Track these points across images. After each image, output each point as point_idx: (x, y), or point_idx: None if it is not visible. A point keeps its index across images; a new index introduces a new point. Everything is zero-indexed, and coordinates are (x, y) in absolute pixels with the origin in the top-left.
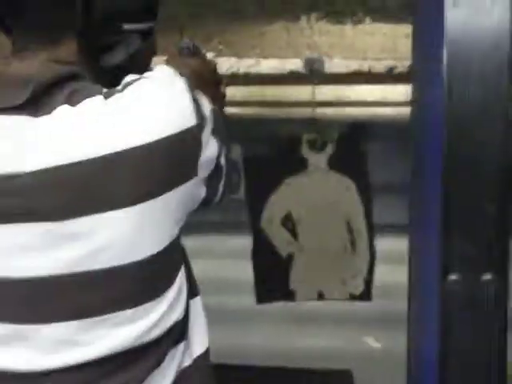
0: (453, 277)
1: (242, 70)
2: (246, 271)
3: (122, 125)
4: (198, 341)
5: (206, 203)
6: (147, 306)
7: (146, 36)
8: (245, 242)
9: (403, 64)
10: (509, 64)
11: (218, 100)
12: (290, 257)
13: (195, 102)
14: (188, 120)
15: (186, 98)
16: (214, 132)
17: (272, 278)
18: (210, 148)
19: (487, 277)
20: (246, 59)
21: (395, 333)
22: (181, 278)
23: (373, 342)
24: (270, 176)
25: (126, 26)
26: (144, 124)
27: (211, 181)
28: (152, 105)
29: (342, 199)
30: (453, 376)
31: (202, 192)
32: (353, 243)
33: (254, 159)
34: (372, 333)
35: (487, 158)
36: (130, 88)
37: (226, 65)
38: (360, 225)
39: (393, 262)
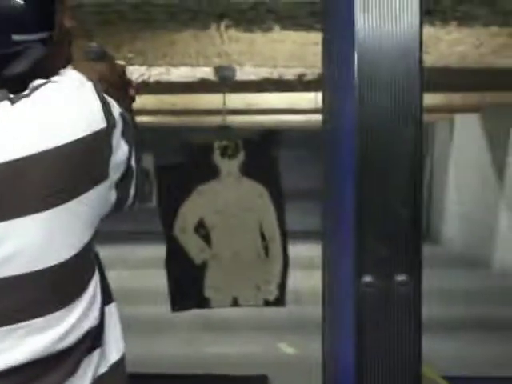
0: (367, 278)
1: (152, 79)
2: (159, 280)
3: (29, 129)
4: (114, 348)
5: (118, 206)
6: (60, 313)
7: (48, 43)
8: (158, 251)
9: (312, 71)
10: (419, 69)
11: (127, 103)
12: (204, 264)
13: (104, 104)
14: (97, 123)
15: (94, 100)
16: (124, 134)
17: (186, 285)
18: (121, 150)
19: (401, 278)
20: (157, 68)
21: (309, 337)
22: (94, 285)
23: (287, 348)
24: (182, 184)
25: (16, 37)
26: (52, 128)
27: (122, 183)
28: (60, 108)
29: (254, 206)
30: (368, 378)
31: (113, 195)
32: (266, 249)
33: (165, 167)
34: (286, 338)
35: (399, 162)
36: (37, 92)
37: (136, 73)
38: (273, 231)
39: (306, 267)
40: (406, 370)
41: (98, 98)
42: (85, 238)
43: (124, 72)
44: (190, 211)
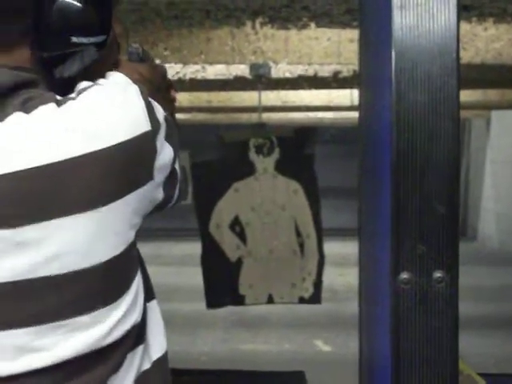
0: (404, 275)
1: (188, 76)
2: (195, 277)
3: (75, 132)
4: (156, 344)
5: (160, 207)
6: (104, 310)
7: (101, 47)
8: (194, 248)
9: (348, 68)
10: (457, 66)
11: (169, 105)
12: (239, 261)
13: (149, 107)
14: (142, 126)
15: (139, 103)
16: (168, 137)
17: (221, 282)
18: (165, 153)
19: (438, 275)
20: (192, 65)
21: (345, 334)
22: (137, 282)
23: (322, 345)
24: (217, 181)
25: (75, 39)
26: (96, 131)
27: (167, 185)
28: (105, 111)
29: (290, 203)
30: (405, 374)
31: (160, 196)
32: (302, 246)
33: (201, 165)
34: (322, 335)
35: (436, 159)
36: (83, 95)
37: (171, 71)
38: (308, 228)
39: (342, 264)
40: (443, 366)
41: (142, 101)
42: (129, 237)
43: (166, 73)
44: (226, 209)
